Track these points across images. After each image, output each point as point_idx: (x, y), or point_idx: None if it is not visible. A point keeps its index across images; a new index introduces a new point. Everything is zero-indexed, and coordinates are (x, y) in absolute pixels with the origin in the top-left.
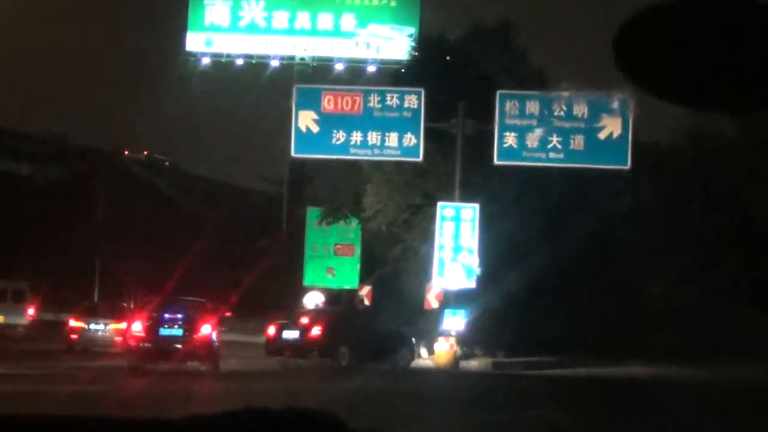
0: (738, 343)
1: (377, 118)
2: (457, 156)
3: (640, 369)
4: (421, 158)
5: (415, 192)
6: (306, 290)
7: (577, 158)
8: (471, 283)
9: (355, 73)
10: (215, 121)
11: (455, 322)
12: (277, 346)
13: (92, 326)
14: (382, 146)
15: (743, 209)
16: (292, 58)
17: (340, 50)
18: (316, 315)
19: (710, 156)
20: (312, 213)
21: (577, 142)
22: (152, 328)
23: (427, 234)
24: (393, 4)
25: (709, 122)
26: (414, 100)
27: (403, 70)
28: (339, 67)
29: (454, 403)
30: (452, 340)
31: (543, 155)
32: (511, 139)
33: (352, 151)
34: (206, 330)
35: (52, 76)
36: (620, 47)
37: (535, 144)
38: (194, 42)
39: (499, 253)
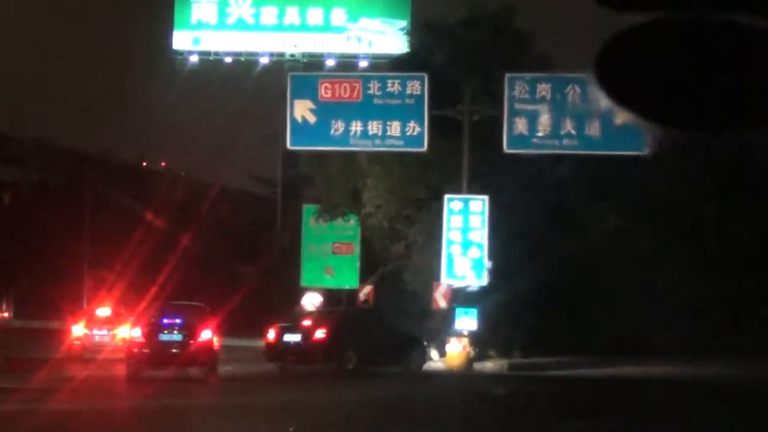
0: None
1: (378, 106)
2: (464, 144)
3: (664, 368)
4: (425, 148)
5: (418, 185)
6: (303, 291)
7: (592, 145)
8: (482, 281)
9: (346, 69)
10: (204, 121)
11: (467, 321)
12: (277, 350)
13: (95, 333)
14: (384, 136)
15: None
16: (282, 54)
17: (330, 45)
18: (320, 316)
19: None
20: (308, 210)
21: (593, 127)
22: (151, 334)
23: (432, 229)
24: None
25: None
26: (417, 86)
27: (400, 56)
28: (330, 62)
29: (485, 415)
30: (465, 340)
31: (556, 142)
32: (521, 125)
33: (352, 142)
34: (206, 335)
35: (34, 77)
36: (601, 66)
37: (548, 130)
38: (181, 40)
39: (511, 248)
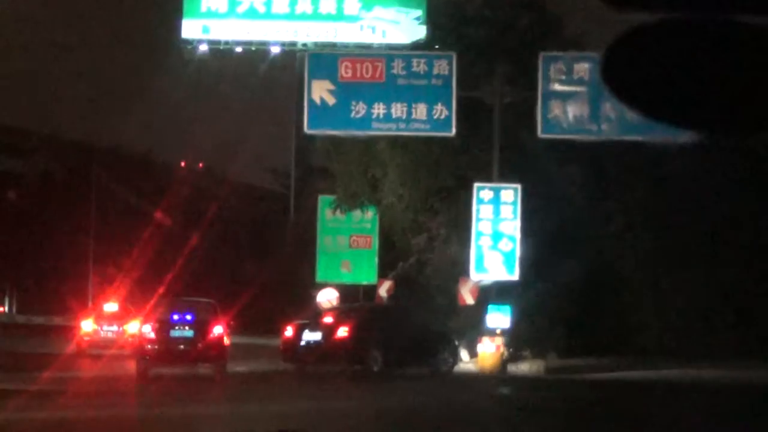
0: None
1: (402, 86)
2: (495, 129)
3: (713, 371)
4: (453, 132)
5: (445, 173)
6: (319, 287)
7: (633, 130)
8: (513, 276)
9: None
10: (213, 113)
11: (500, 319)
12: (295, 350)
13: (105, 329)
14: (409, 119)
15: None
16: (293, 44)
17: (343, 35)
18: (342, 313)
19: None
20: (324, 201)
21: None
22: (162, 330)
23: (458, 221)
24: None
25: None
26: (445, 66)
27: (421, 40)
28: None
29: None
30: (499, 340)
31: (594, 127)
32: (557, 108)
33: (374, 125)
34: (218, 331)
35: (41, 68)
36: (608, 66)
37: (585, 114)
38: (190, 29)
39: (546, 241)
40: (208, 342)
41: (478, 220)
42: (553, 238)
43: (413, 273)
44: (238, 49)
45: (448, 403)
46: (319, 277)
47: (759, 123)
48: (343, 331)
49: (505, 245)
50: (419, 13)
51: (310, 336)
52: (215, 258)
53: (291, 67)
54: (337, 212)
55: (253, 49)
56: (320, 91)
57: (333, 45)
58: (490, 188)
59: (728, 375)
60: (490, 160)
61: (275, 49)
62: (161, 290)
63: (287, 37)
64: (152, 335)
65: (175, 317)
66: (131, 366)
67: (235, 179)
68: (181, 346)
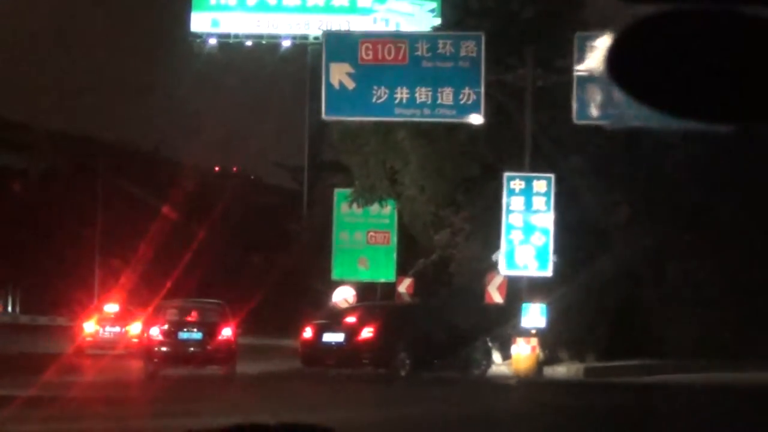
0: None
1: (427, 69)
2: (527, 115)
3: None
4: (482, 119)
5: (470, 163)
6: (334, 285)
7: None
8: (546, 271)
9: None
10: (223, 108)
11: (535, 319)
12: (316, 353)
13: (107, 329)
14: (434, 104)
15: None
16: (305, 37)
17: (356, 28)
18: (366, 312)
19: None
20: (340, 195)
21: None
22: (171, 332)
23: (485, 214)
24: None
25: None
26: (473, 47)
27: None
28: None
29: None
30: (534, 341)
31: (632, 113)
32: (594, 92)
33: (397, 111)
34: (226, 332)
35: (46, 61)
36: (614, 59)
37: (623, 98)
38: (199, 22)
39: (582, 234)
40: (217, 344)
41: (509, 212)
42: (589, 231)
43: (434, 270)
44: (248, 43)
45: (486, 413)
46: (335, 275)
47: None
48: (367, 332)
49: (538, 239)
50: (434, 5)
51: (332, 337)
52: (225, 256)
53: (302, 61)
54: (354, 206)
55: (264, 42)
56: (339, 74)
57: None
58: (522, 178)
59: None
60: (519, 148)
61: (286, 43)
62: (169, 288)
63: (299, 31)
64: (160, 337)
65: (185, 319)
66: (134, 367)
67: (244, 174)
68: (190, 349)
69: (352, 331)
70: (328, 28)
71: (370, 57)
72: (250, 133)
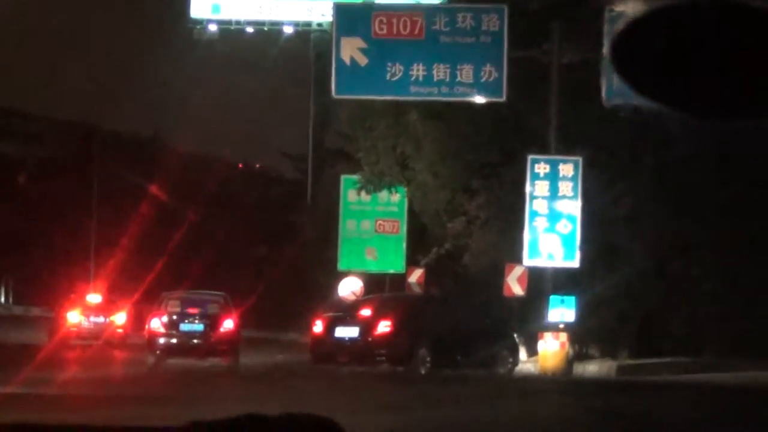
0: None
1: (445, 44)
2: (553, 94)
3: None
4: (504, 97)
5: (490, 146)
6: (341, 276)
7: None
8: (573, 262)
9: None
10: (224, 96)
11: (563, 313)
12: (327, 348)
13: (91, 320)
14: (453, 82)
15: None
16: (308, 24)
17: None
18: (382, 305)
19: None
20: (347, 182)
21: None
22: (173, 324)
23: (503, 200)
24: None
25: None
26: (495, 21)
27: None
28: None
29: None
30: (563, 336)
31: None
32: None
33: (413, 89)
34: (229, 325)
35: (43, 49)
36: (619, 53)
37: None
38: (200, 8)
39: (612, 222)
40: (219, 336)
41: (533, 198)
42: (621, 219)
43: (447, 260)
44: (250, 30)
45: (517, 417)
46: (342, 266)
47: None
48: (384, 326)
49: (564, 227)
50: None
51: (345, 332)
52: (228, 247)
53: (305, 48)
54: (362, 194)
55: (266, 29)
56: (350, 50)
57: None
58: (546, 161)
59: None
60: (543, 131)
61: (288, 30)
62: (171, 279)
63: (301, 17)
64: (162, 329)
65: (187, 310)
66: (119, 358)
67: (246, 162)
68: (193, 340)
69: (367, 325)
70: (331, 17)
71: (384, 31)
72: (252, 121)
